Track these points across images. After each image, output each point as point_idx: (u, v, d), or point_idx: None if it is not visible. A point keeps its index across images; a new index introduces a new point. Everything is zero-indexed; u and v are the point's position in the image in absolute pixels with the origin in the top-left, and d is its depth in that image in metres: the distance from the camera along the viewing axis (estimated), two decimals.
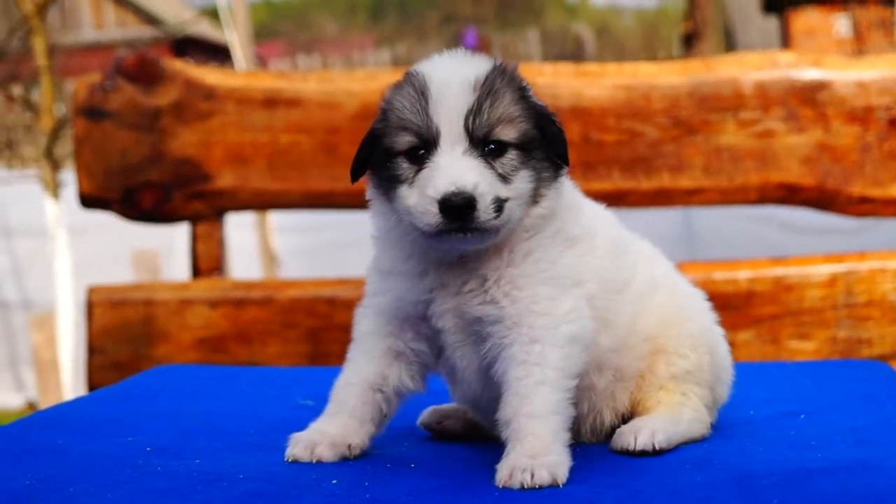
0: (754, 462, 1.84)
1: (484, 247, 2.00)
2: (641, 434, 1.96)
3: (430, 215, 1.91)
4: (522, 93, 2.05)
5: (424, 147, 1.97)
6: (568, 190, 2.12)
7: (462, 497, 1.68)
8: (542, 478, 1.78)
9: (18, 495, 1.70)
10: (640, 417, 2.05)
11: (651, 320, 2.14)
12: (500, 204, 1.95)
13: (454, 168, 1.93)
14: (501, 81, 2.03)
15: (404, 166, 1.99)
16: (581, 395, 2.02)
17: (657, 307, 2.15)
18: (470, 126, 1.96)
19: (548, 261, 2.02)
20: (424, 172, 1.95)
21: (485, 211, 1.92)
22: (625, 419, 2.10)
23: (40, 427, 2.18)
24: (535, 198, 2.02)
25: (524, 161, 2.00)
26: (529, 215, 2.02)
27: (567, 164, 2.06)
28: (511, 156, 2.00)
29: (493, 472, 1.81)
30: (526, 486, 1.77)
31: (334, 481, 1.77)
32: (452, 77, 2.00)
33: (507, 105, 2.01)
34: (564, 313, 1.99)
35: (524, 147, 2.01)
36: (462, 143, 1.95)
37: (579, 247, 2.06)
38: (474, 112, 1.97)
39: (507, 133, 1.99)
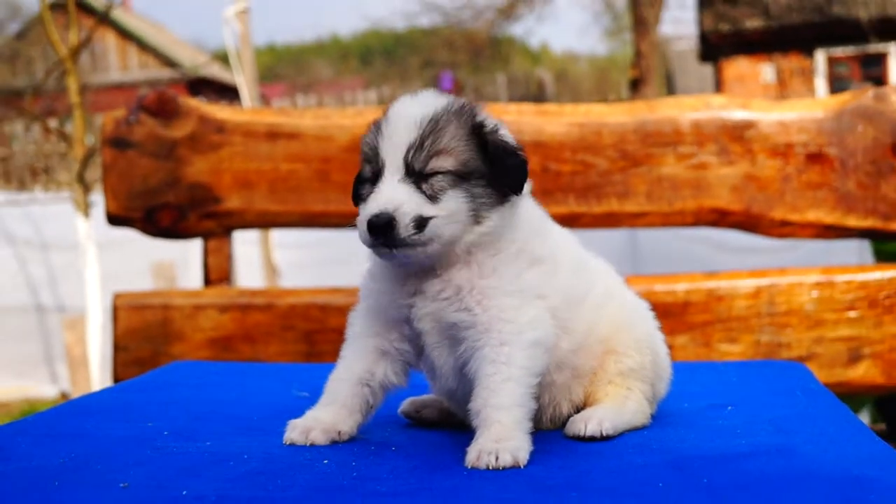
0: (687, 447, 1.84)
1: (425, 259, 2.01)
2: (591, 422, 1.97)
3: (363, 233, 1.95)
4: (475, 128, 2.05)
5: (377, 175, 1.98)
6: (535, 216, 2.14)
7: (436, 476, 1.69)
8: (505, 460, 1.79)
9: (54, 471, 1.70)
10: (590, 407, 2.05)
11: (604, 326, 2.14)
12: (421, 222, 1.96)
13: (384, 193, 1.97)
14: (447, 118, 2.04)
15: (365, 191, 2.01)
16: (543, 389, 2.02)
17: (609, 315, 2.16)
18: (409, 158, 1.99)
19: (512, 275, 2.02)
20: (369, 197, 1.97)
21: (404, 228, 1.94)
22: (579, 409, 2.10)
23: (72, 414, 2.18)
24: (476, 218, 2.02)
25: (456, 184, 2.00)
26: (472, 233, 2.02)
27: (516, 192, 2.05)
28: (441, 179, 2.00)
29: (463, 454, 1.82)
30: (491, 467, 1.77)
31: (325, 461, 1.78)
32: (402, 115, 2.04)
33: (448, 139, 2.02)
34: (528, 321, 1.99)
35: (461, 174, 2.01)
36: (399, 173, 1.98)
37: (544, 266, 2.06)
38: (415, 146, 1.99)
39: (444, 163, 2.01)
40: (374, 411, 2.07)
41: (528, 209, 2.12)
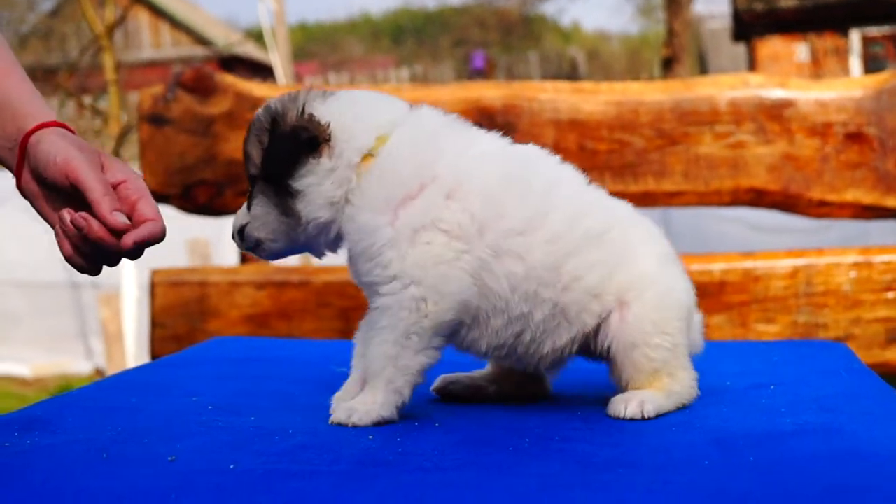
0: (732, 425, 1.84)
1: (280, 256, 2.10)
2: (631, 403, 1.94)
3: None
4: (272, 124, 2.02)
5: None
6: (409, 145, 2.04)
7: (481, 451, 1.70)
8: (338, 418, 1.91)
9: (102, 445, 1.71)
10: (632, 391, 2.00)
11: (592, 275, 2.03)
12: (241, 231, 2.03)
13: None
14: (260, 123, 2.04)
15: None
16: (518, 323, 2.01)
17: (598, 261, 2.04)
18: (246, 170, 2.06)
19: (383, 227, 2.00)
20: None
21: (236, 239, 2.05)
22: (561, 355, 2.07)
23: (117, 388, 2.19)
24: (286, 211, 2.02)
25: (261, 188, 2.01)
26: (302, 222, 2.02)
27: (280, 176, 2.01)
28: (253, 186, 2.03)
29: (500, 430, 1.83)
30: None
31: (370, 437, 1.78)
32: None
33: (251, 145, 2.03)
34: (412, 266, 1.97)
35: (261, 176, 2.01)
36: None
37: (433, 194, 1.99)
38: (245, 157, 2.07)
39: (251, 169, 2.02)
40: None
41: (399, 146, 2.03)
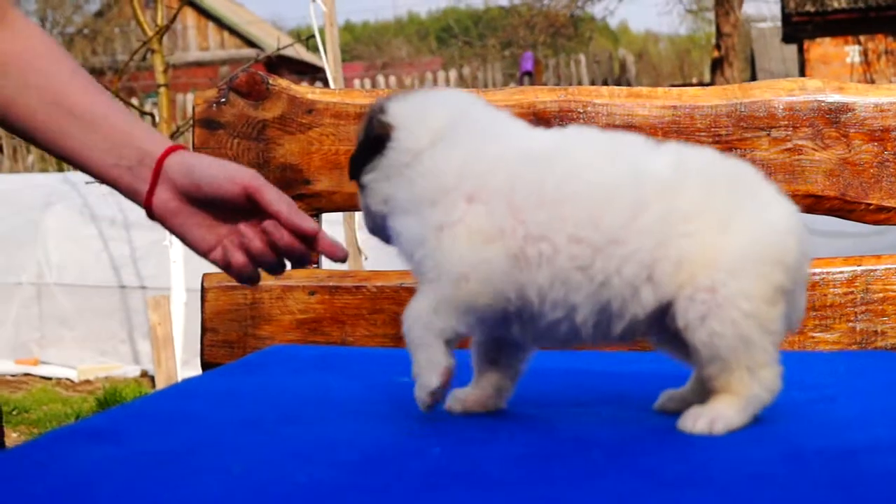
0: (803, 440, 1.82)
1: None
2: (700, 420, 1.86)
3: None
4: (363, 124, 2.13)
5: None
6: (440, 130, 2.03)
7: (550, 465, 1.69)
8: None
9: (167, 457, 1.71)
10: (706, 404, 1.91)
11: (629, 266, 1.89)
12: None
13: None
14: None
15: None
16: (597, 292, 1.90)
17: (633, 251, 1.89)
18: None
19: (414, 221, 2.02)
20: None
21: None
22: (658, 315, 1.93)
23: (179, 397, 2.21)
24: (363, 205, 2.13)
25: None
26: (371, 216, 2.14)
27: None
28: None
29: (568, 443, 1.83)
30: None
31: (437, 449, 1.78)
32: None
33: None
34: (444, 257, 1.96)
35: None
36: None
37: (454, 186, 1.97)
38: None
39: None
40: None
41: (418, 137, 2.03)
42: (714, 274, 1.86)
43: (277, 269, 2.23)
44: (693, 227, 1.87)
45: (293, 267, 2.26)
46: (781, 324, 1.95)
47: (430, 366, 1.95)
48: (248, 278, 2.24)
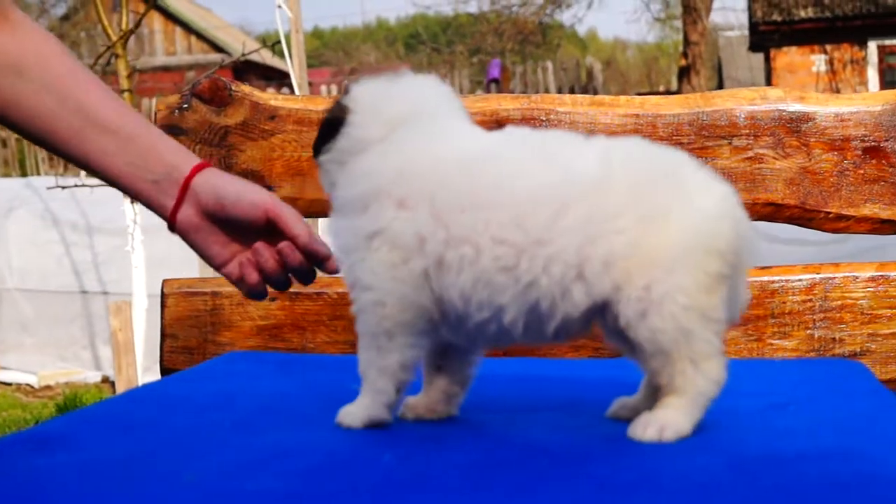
0: (750, 448, 1.84)
1: None
2: (650, 428, 1.88)
3: None
4: None
5: None
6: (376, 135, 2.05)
7: (499, 472, 1.70)
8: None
9: (120, 463, 1.72)
10: (655, 410, 1.91)
11: (556, 266, 1.88)
12: None
13: None
14: None
15: None
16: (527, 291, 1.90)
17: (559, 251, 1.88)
18: None
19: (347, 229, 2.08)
20: None
21: None
22: (591, 310, 1.93)
23: (132, 404, 2.21)
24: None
25: None
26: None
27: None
28: None
29: (518, 450, 1.83)
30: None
31: (387, 456, 1.79)
32: None
33: None
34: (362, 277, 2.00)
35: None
36: None
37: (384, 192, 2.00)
38: None
39: None
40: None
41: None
42: (649, 272, 1.86)
43: (285, 287, 2.31)
44: (621, 224, 1.87)
45: (300, 283, 2.33)
46: (723, 312, 1.95)
47: (377, 400, 2.00)
48: (257, 294, 2.31)
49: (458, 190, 1.91)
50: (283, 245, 2.23)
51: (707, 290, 1.89)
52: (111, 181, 2.37)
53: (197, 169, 2.29)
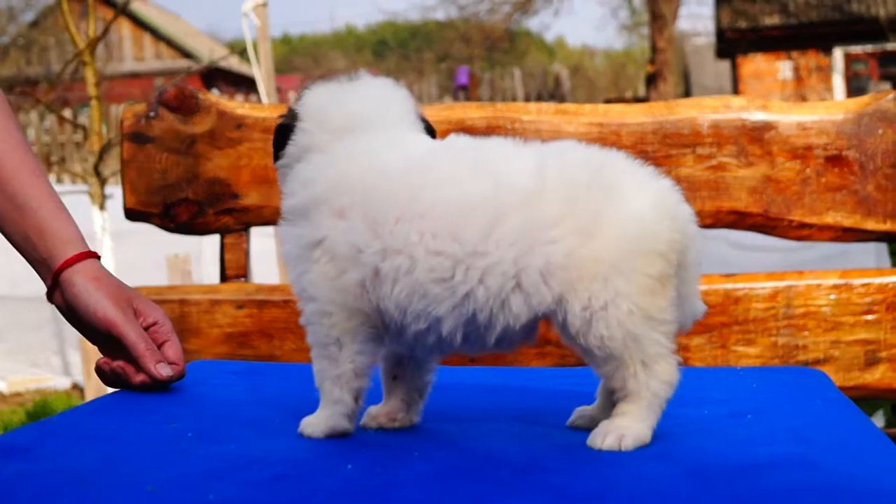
0: (708, 456, 1.85)
1: None
2: (609, 437, 1.89)
3: None
4: None
5: None
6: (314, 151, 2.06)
7: (459, 483, 1.70)
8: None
9: (81, 473, 1.72)
10: (613, 419, 1.92)
11: (493, 277, 1.88)
12: None
13: None
14: None
15: None
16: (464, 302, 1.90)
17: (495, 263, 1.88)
18: None
19: (291, 245, 2.08)
20: None
21: None
22: (530, 324, 1.94)
23: (97, 413, 2.20)
24: None
25: None
26: None
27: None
28: None
29: (479, 460, 1.84)
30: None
31: (349, 466, 1.79)
32: None
33: None
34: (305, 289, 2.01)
35: None
36: None
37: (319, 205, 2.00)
38: None
39: None
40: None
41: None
42: (589, 280, 1.87)
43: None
44: (557, 234, 1.87)
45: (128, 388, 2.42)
46: (671, 312, 1.94)
47: (336, 411, 2.01)
48: (112, 383, 2.42)
49: (391, 200, 1.91)
50: (121, 364, 2.38)
51: (651, 293, 1.89)
52: (5, 236, 2.49)
53: (67, 264, 2.40)
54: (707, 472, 1.74)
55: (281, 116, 2.09)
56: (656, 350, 1.91)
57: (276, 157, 2.10)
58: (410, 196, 1.90)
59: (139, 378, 2.34)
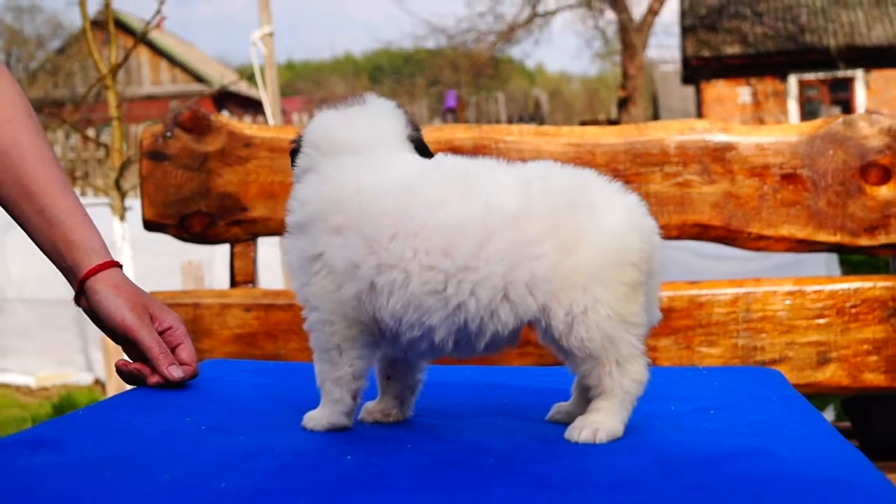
0: (674, 448, 1.85)
1: None
2: (585, 431, 1.90)
3: None
4: None
5: None
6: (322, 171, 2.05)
7: (448, 472, 1.70)
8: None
9: (104, 464, 1.72)
10: (588, 414, 1.93)
11: (483, 291, 1.88)
12: None
13: None
14: None
15: None
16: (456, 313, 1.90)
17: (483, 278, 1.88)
18: None
19: (294, 258, 2.06)
20: None
21: None
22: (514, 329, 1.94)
23: (118, 408, 2.20)
24: None
25: None
26: None
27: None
28: None
29: (467, 452, 1.84)
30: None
31: (348, 457, 1.79)
32: None
33: None
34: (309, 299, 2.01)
35: None
36: None
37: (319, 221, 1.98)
38: None
39: None
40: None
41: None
42: (571, 290, 1.88)
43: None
44: (540, 250, 1.87)
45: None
46: (643, 316, 1.96)
47: (336, 409, 2.02)
48: (131, 382, 2.43)
49: (385, 219, 1.90)
50: (138, 365, 2.40)
51: (626, 299, 1.91)
52: (34, 243, 2.51)
53: (91, 272, 2.41)
54: (674, 462, 1.74)
55: (292, 141, 2.10)
56: (629, 351, 1.93)
57: (292, 174, 2.12)
58: (403, 216, 1.89)
59: (154, 379, 2.36)
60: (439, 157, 2.04)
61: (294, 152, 2.08)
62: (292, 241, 2.01)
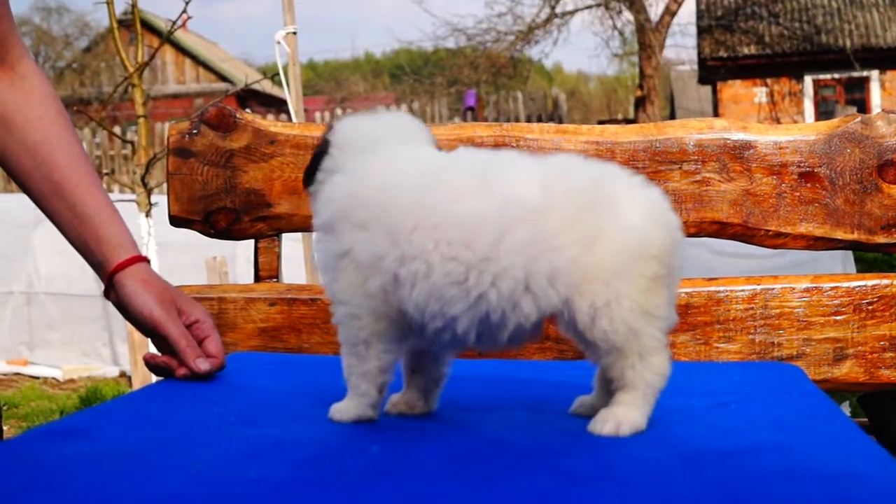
0: (696, 442, 1.85)
1: None
2: (608, 424, 1.89)
3: None
4: None
5: None
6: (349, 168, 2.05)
7: (473, 464, 1.71)
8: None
9: (136, 453, 1.72)
10: (612, 407, 1.92)
11: (504, 283, 1.87)
12: None
13: None
14: None
15: None
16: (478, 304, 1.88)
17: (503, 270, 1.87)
18: None
19: (322, 255, 2.08)
20: None
21: None
22: (536, 324, 1.93)
23: (147, 399, 2.21)
24: None
25: None
26: None
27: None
28: None
29: (491, 444, 1.84)
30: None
31: (375, 447, 1.79)
32: None
33: None
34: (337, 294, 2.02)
35: None
36: None
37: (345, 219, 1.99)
38: None
39: None
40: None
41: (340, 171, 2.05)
42: (594, 284, 1.86)
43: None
44: (561, 243, 1.86)
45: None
46: (666, 309, 1.95)
47: (363, 402, 2.02)
48: (159, 374, 2.45)
49: (406, 212, 1.90)
50: (166, 358, 2.41)
51: (648, 291, 1.89)
52: (65, 238, 2.52)
53: (119, 267, 2.43)
54: (696, 456, 1.74)
55: (315, 146, 2.11)
56: (652, 344, 1.91)
57: (307, 183, 2.10)
58: (424, 208, 1.89)
59: (181, 371, 2.37)
60: (461, 149, 2.04)
61: (318, 155, 2.08)
62: (321, 242, 2.02)
